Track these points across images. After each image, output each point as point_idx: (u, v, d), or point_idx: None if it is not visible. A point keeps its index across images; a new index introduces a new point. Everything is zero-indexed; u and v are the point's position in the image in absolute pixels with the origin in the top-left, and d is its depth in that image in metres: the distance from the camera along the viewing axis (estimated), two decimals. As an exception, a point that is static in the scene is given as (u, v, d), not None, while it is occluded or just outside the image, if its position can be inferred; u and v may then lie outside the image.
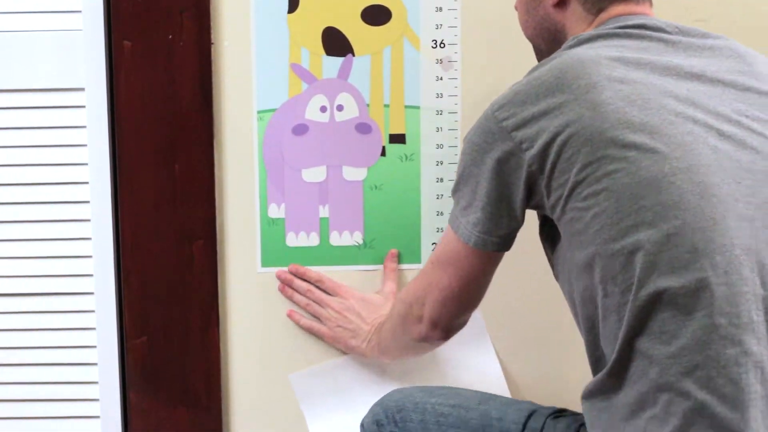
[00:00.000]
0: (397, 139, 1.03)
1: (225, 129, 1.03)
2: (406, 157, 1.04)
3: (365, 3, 1.02)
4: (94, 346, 1.05)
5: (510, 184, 0.71)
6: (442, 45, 1.02)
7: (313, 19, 1.02)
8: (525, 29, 0.85)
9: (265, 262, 1.04)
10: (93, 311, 1.05)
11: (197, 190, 1.03)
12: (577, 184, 0.66)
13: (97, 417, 1.07)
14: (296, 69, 1.02)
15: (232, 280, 1.04)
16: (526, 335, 1.06)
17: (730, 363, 0.62)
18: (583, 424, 0.75)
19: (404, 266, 1.05)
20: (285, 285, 1.04)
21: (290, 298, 1.04)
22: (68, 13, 1.02)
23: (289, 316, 1.04)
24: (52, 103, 1.03)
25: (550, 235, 0.74)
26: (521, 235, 0.76)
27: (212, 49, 1.02)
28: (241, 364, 1.06)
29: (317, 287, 1.03)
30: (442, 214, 1.04)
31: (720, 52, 0.74)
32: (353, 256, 1.04)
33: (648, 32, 0.73)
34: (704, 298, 0.63)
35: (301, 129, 1.03)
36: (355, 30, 1.02)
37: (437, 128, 1.03)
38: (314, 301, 1.02)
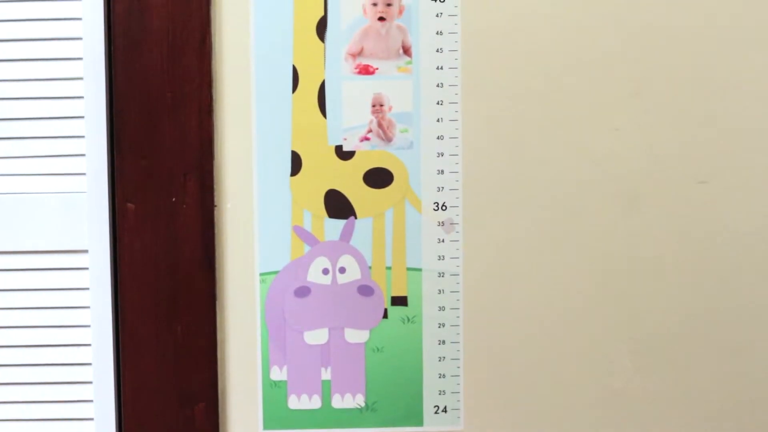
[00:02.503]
0: (399, 301, 1.03)
1: (227, 291, 1.03)
2: (408, 320, 1.03)
3: (367, 166, 1.03)
4: None
5: None
6: (443, 207, 1.03)
7: (316, 182, 1.02)
8: None
9: (267, 425, 1.04)
10: (93, 473, 1.04)
11: (199, 353, 1.03)
12: None
13: None
14: (298, 231, 1.03)
15: (233, 441, 1.04)
16: None
17: None
18: None
19: (406, 429, 1.04)
20: None
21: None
22: (72, 176, 1.03)
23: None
24: (56, 265, 1.04)
25: None
26: None
27: (215, 212, 1.03)
28: None
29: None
30: (444, 376, 1.03)
31: None
32: (355, 419, 1.04)
33: None
34: None
35: (303, 291, 1.03)
36: (357, 192, 1.03)
37: (439, 290, 1.03)
38: None
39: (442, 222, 1.03)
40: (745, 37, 1.01)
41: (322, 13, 1.02)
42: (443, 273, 1.03)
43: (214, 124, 1.02)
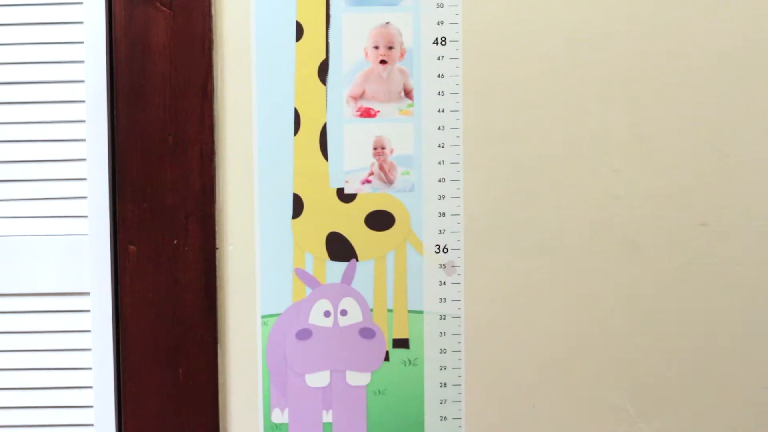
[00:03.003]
0: (401, 344, 1.03)
1: (229, 333, 1.03)
2: (410, 362, 1.03)
3: (369, 208, 1.03)
4: None
5: None
6: (445, 250, 1.03)
7: (317, 224, 1.03)
8: None
9: (268, 468, 1.04)
10: None
11: (201, 395, 1.03)
12: None
13: None
14: (300, 274, 1.03)
15: (234, 484, 1.04)
16: None
17: None
18: None
19: (408, 472, 1.04)
20: None
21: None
22: (74, 218, 1.04)
23: None
24: (57, 307, 1.04)
25: None
26: None
27: (217, 254, 1.03)
28: None
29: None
30: (445, 419, 1.03)
31: None
32: (357, 462, 1.04)
33: None
34: None
35: (304, 334, 1.03)
36: (358, 235, 1.03)
37: (440, 333, 1.03)
38: None
39: (444, 264, 1.03)
40: (744, 80, 1.01)
41: (324, 57, 1.02)
42: (445, 315, 1.03)
43: (216, 166, 1.02)
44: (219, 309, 1.03)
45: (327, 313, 1.03)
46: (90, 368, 1.04)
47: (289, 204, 1.03)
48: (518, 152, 1.02)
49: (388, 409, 1.03)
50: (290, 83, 1.02)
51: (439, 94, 1.02)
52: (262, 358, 1.03)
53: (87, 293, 1.03)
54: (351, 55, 1.02)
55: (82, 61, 1.02)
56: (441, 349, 1.03)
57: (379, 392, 1.03)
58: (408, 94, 1.02)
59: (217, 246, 1.03)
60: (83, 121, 1.03)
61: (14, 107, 1.03)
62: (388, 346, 1.03)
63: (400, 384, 1.03)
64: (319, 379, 1.03)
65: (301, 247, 1.03)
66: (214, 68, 1.02)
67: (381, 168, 1.02)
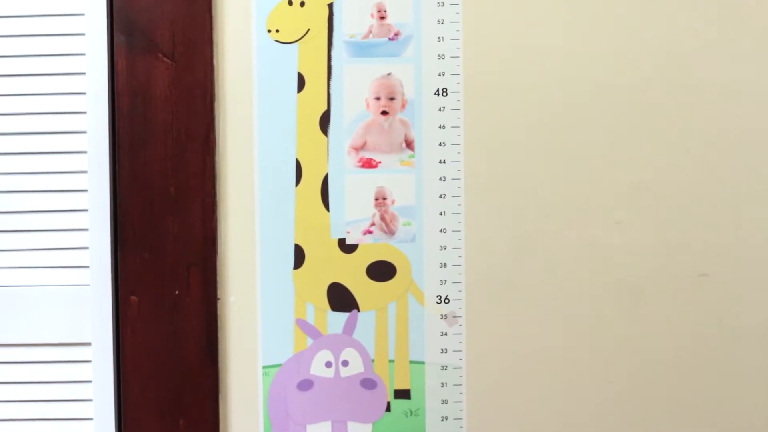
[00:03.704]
0: (402, 394, 1.03)
1: (230, 384, 1.03)
2: (411, 413, 1.03)
3: (370, 259, 1.03)
4: None
5: None
6: (446, 300, 1.03)
7: (319, 275, 1.03)
8: None
9: None
10: None
11: (202, 446, 1.03)
12: None
13: None
14: (301, 324, 1.03)
15: None
16: None
17: None
18: None
19: None
20: None
21: None
22: (76, 269, 1.04)
23: None
24: (59, 357, 1.04)
25: None
26: None
27: (218, 304, 1.03)
28: None
29: None
30: (447, 470, 1.03)
31: None
32: None
33: None
34: None
35: (306, 385, 1.03)
36: (360, 286, 1.03)
37: (442, 384, 1.03)
38: None
39: (445, 315, 1.03)
40: (744, 133, 1.02)
41: (326, 107, 1.02)
42: (446, 366, 1.03)
43: (218, 217, 1.02)
44: (220, 359, 1.03)
45: (328, 364, 1.03)
46: (91, 419, 1.04)
47: (291, 254, 1.03)
48: (519, 203, 1.02)
49: (390, 460, 1.03)
50: (292, 134, 1.02)
51: (440, 144, 1.02)
52: (264, 408, 1.03)
53: (88, 344, 1.04)
54: (352, 106, 1.02)
55: (84, 112, 1.03)
56: (442, 400, 1.03)
57: (381, 443, 1.03)
58: (409, 144, 1.02)
59: (219, 296, 1.03)
60: (85, 172, 1.03)
61: (16, 157, 1.03)
62: (390, 397, 1.03)
63: (402, 435, 1.03)
64: (320, 430, 1.03)
65: (303, 298, 1.03)
66: (216, 119, 1.02)
67: (382, 218, 1.03)
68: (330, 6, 1.02)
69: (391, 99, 1.02)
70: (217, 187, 1.02)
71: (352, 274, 1.03)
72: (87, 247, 1.03)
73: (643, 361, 1.03)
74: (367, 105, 1.02)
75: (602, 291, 1.02)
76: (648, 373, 1.03)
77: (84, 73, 1.03)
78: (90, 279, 1.03)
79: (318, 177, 1.03)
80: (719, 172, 1.02)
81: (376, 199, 1.03)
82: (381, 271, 1.03)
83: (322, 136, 1.02)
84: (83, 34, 1.02)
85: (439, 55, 1.02)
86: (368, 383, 1.03)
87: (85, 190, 1.03)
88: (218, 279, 1.03)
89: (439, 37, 1.02)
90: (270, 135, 1.02)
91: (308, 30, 1.02)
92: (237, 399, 1.03)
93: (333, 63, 1.02)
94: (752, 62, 1.02)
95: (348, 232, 1.03)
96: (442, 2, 1.02)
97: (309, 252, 1.03)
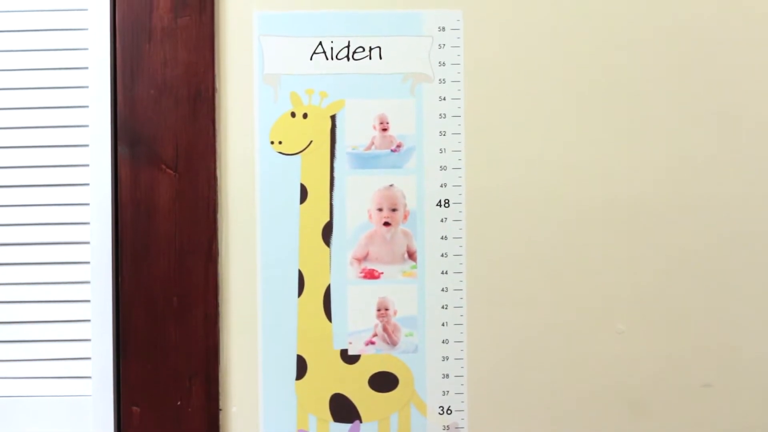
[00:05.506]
0: (405, 505, 1.03)
1: (232, 496, 1.03)
2: None
3: (372, 370, 1.03)
4: None
5: None
6: (449, 411, 1.03)
7: (321, 385, 1.03)
8: None
9: None
10: None
11: None
12: None
13: None
14: (304, 436, 1.03)
15: None
16: None
17: None
18: None
19: None
20: None
21: None
22: (78, 379, 1.03)
23: None
24: (60, 468, 1.04)
25: None
26: None
27: (220, 416, 1.03)
28: None
29: None
30: None
31: None
32: None
33: None
34: None
35: (308, 497, 1.03)
36: (362, 396, 1.03)
37: (445, 496, 1.03)
38: None
39: (448, 426, 1.03)
40: (742, 245, 1.02)
41: (328, 218, 1.03)
42: (448, 472, 1.03)
43: (220, 328, 1.02)
44: (222, 470, 1.03)
45: (331, 476, 1.03)
46: None
47: (293, 365, 1.03)
48: (522, 315, 1.02)
49: None
50: (294, 245, 1.03)
51: (442, 255, 1.03)
52: None
53: (90, 455, 1.03)
54: (355, 217, 1.03)
55: (88, 223, 1.03)
56: (445, 494, 1.03)
57: None
58: (411, 255, 1.03)
59: (221, 407, 1.03)
60: (88, 282, 1.03)
61: (17, 267, 1.04)
62: (393, 503, 1.03)
63: None
64: None
65: (305, 409, 1.03)
66: (219, 230, 1.03)
67: (385, 329, 1.03)
68: (333, 117, 1.03)
69: (394, 210, 1.03)
70: (220, 297, 1.03)
71: (355, 385, 1.03)
72: (89, 358, 1.03)
73: (646, 475, 1.03)
74: (370, 216, 1.03)
75: (605, 402, 1.02)
76: (651, 489, 1.03)
77: (88, 184, 1.03)
78: (92, 389, 1.03)
79: (320, 288, 1.03)
80: (720, 283, 1.02)
81: (379, 310, 1.03)
82: (383, 381, 1.03)
83: (325, 246, 1.03)
84: (87, 145, 1.03)
85: (441, 167, 1.03)
86: (370, 494, 1.03)
87: (88, 301, 1.03)
88: (220, 389, 1.03)
89: (441, 149, 1.03)
90: (273, 246, 1.03)
91: (311, 141, 1.03)
92: None
93: (335, 174, 1.03)
94: (753, 174, 1.03)
95: (350, 343, 1.03)
96: (444, 114, 1.03)
97: (311, 363, 1.03)
